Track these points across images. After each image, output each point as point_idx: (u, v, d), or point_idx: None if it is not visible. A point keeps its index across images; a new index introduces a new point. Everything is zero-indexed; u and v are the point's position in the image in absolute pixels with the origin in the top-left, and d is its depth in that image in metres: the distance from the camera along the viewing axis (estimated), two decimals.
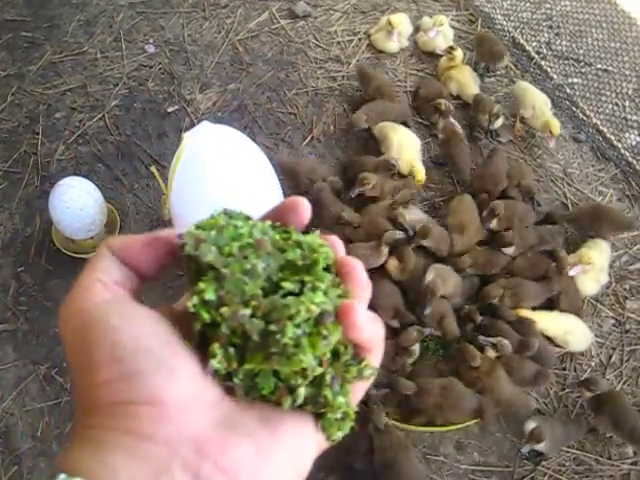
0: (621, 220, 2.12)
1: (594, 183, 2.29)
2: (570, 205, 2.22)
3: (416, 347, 1.80)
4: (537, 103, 2.24)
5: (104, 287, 0.41)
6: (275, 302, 0.40)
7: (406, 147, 2.14)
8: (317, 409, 0.42)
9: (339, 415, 0.42)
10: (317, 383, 0.41)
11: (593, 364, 1.99)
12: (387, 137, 2.16)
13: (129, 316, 0.40)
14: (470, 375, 1.71)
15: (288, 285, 0.41)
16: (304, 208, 0.46)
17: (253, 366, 0.40)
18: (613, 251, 2.13)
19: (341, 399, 0.42)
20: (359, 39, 2.55)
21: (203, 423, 0.37)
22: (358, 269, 0.43)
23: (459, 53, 2.39)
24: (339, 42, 2.54)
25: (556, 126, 2.19)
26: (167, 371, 0.37)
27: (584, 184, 2.28)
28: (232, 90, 2.40)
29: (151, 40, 2.54)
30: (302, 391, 0.41)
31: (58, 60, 2.49)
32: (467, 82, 2.35)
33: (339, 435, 0.43)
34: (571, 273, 1.94)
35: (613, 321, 2.05)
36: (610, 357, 2.00)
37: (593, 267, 1.96)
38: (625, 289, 2.11)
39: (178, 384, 0.37)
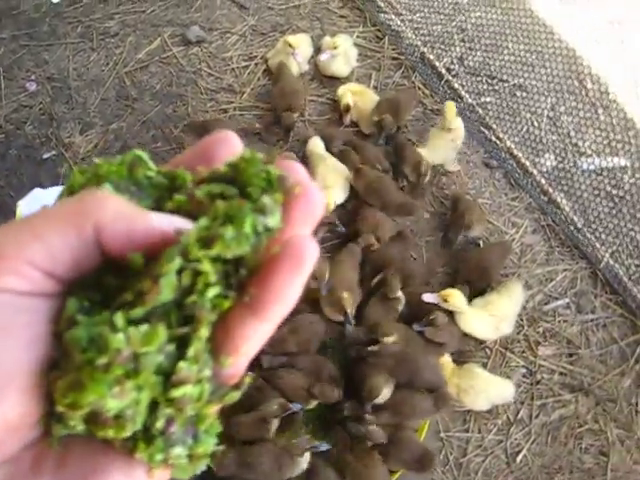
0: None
1: (507, 214, 2.10)
2: (481, 241, 2.04)
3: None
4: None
5: (22, 278, 0.31)
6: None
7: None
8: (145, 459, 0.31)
9: (183, 461, 0.32)
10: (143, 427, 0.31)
11: (500, 422, 1.82)
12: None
13: None
14: (343, 458, 1.53)
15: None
16: (234, 139, 0.37)
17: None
18: (526, 289, 1.96)
19: (178, 450, 0.31)
20: (255, 64, 2.35)
21: None
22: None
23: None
24: (234, 69, 2.34)
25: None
26: None
27: (496, 215, 2.10)
28: (115, 130, 2.21)
29: (33, 77, 2.36)
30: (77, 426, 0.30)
31: None
32: (368, 110, 2.15)
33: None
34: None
35: (524, 370, 1.88)
36: (518, 413, 1.83)
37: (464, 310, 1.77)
38: (538, 332, 1.94)
39: None
